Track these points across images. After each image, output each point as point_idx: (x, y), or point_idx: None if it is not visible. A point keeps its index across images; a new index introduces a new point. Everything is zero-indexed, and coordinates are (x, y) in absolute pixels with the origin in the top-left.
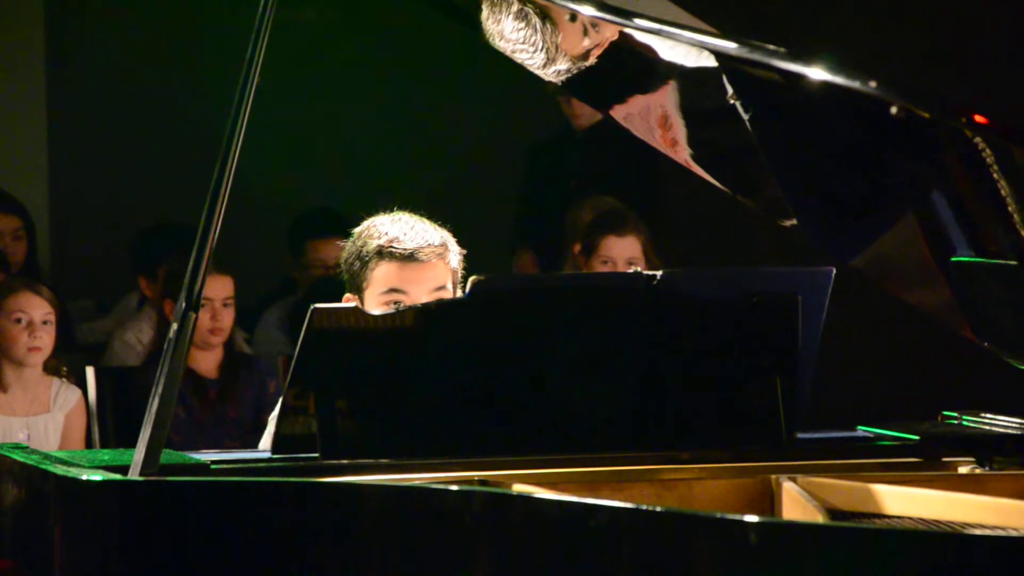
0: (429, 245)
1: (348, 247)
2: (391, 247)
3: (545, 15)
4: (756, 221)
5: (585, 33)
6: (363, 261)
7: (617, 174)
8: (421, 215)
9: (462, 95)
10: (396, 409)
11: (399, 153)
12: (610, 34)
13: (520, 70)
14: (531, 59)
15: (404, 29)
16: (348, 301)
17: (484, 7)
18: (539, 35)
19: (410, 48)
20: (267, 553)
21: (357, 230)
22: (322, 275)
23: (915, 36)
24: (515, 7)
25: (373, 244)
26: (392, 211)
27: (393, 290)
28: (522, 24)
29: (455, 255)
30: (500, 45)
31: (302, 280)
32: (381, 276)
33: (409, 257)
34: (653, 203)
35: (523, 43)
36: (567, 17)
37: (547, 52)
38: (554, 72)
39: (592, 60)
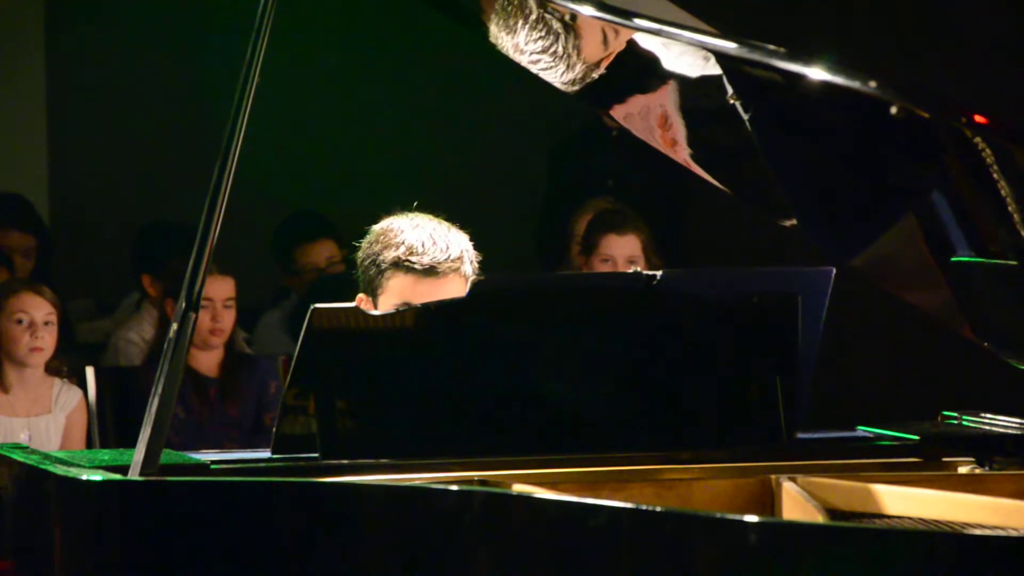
0: (447, 259)
1: (365, 247)
2: (408, 260)
3: (568, 24)
4: (756, 221)
5: (605, 40)
6: (379, 268)
7: (652, 173)
8: (440, 216)
9: (472, 93)
10: (396, 409)
11: (406, 153)
12: (626, 37)
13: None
14: (549, 70)
15: (408, 28)
16: (360, 301)
17: (493, 18)
18: (559, 43)
19: (415, 46)
20: (267, 553)
21: (376, 229)
22: (315, 279)
23: (915, 36)
24: (533, 15)
25: (391, 253)
26: (411, 211)
27: (407, 304)
28: (542, 32)
29: (470, 263)
30: (515, 56)
31: (296, 285)
32: (396, 288)
33: (426, 272)
34: (660, 203)
35: (541, 52)
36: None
37: (567, 61)
38: (569, 81)
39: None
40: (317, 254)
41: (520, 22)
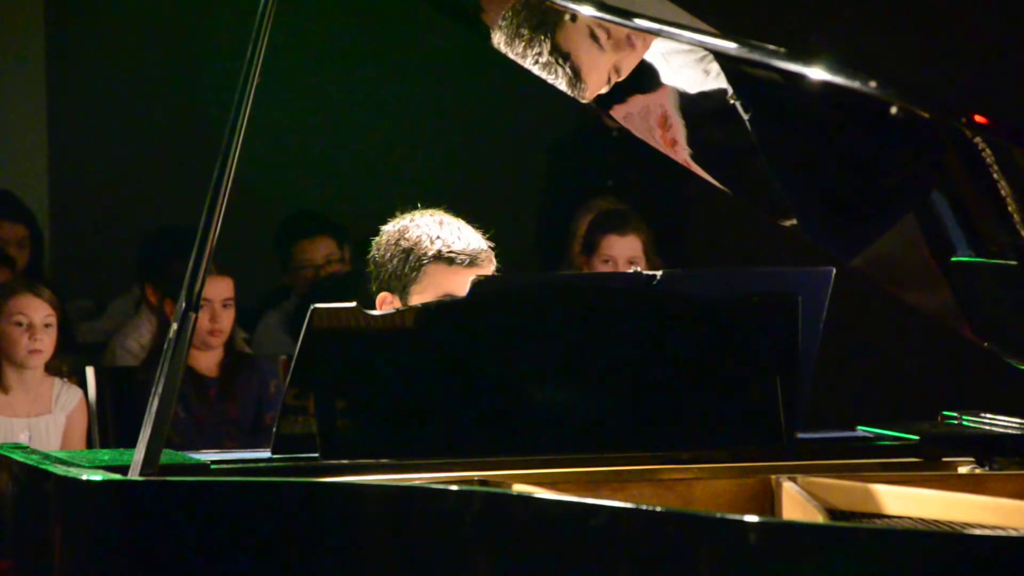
0: (483, 250)
1: (386, 247)
2: (451, 252)
3: (576, 71)
4: (756, 221)
5: (609, 79)
6: (413, 264)
7: (652, 173)
8: (451, 213)
9: (472, 93)
10: (396, 409)
11: (405, 153)
12: (630, 67)
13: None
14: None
15: (408, 27)
16: (384, 300)
17: (500, 40)
18: (565, 87)
19: (415, 46)
20: (267, 553)
21: (395, 229)
22: (312, 276)
23: (915, 36)
24: (543, 59)
25: (427, 248)
26: (420, 208)
27: (449, 295)
28: (551, 77)
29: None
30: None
31: (295, 283)
32: (438, 281)
33: (469, 263)
34: (660, 203)
35: (549, 79)
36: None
37: (573, 93)
38: (575, 97)
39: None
40: (315, 251)
41: (530, 60)
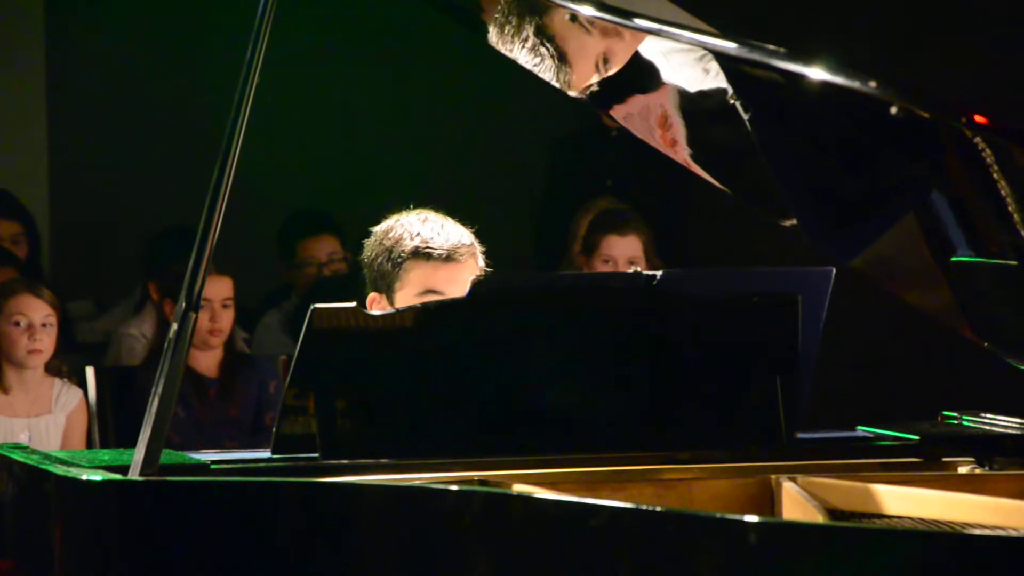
0: (463, 245)
1: (372, 247)
2: (428, 248)
3: (562, 55)
4: (756, 221)
5: (598, 69)
6: (395, 262)
7: (652, 173)
8: (442, 212)
9: (472, 93)
10: (396, 409)
11: (406, 153)
12: (620, 63)
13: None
14: (548, 78)
15: (408, 27)
16: (373, 300)
17: (492, 32)
18: (552, 73)
19: (415, 46)
20: (267, 553)
21: (381, 229)
22: (315, 273)
23: (916, 36)
24: (529, 43)
25: (407, 245)
26: (410, 209)
27: (430, 291)
28: (537, 60)
29: (480, 253)
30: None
31: (297, 280)
32: (417, 277)
33: (446, 258)
34: (660, 203)
35: (536, 70)
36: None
37: (560, 82)
38: (566, 89)
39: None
40: (319, 248)
41: (518, 45)
